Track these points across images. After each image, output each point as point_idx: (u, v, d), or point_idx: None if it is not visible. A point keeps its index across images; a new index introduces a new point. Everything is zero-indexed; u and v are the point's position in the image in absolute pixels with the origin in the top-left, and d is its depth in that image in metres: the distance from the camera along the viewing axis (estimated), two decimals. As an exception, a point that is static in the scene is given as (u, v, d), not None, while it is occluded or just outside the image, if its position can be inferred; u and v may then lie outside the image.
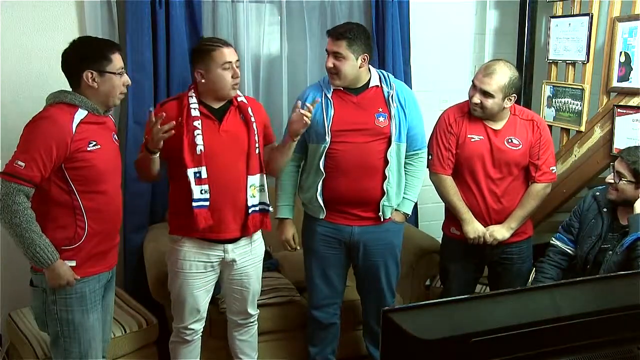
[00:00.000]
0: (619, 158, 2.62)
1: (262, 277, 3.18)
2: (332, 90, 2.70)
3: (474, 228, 2.81)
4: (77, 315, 2.26)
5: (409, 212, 2.87)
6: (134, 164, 2.62)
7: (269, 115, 3.21)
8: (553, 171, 2.86)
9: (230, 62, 2.49)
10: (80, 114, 2.19)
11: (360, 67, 2.65)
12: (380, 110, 2.69)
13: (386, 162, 2.69)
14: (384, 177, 2.70)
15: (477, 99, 2.72)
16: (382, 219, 2.76)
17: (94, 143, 2.20)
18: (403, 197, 2.81)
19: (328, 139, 2.66)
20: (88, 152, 2.18)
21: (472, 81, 2.77)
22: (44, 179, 2.13)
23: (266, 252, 3.38)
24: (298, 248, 2.88)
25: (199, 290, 2.62)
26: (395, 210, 2.80)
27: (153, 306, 3.06)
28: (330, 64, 2.63)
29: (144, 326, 2.94)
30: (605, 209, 2.69)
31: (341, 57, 2.61)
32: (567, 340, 1.18)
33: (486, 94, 2.70)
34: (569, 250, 2.82)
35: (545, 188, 2.84)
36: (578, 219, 2.81)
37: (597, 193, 2.75)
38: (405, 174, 2.80)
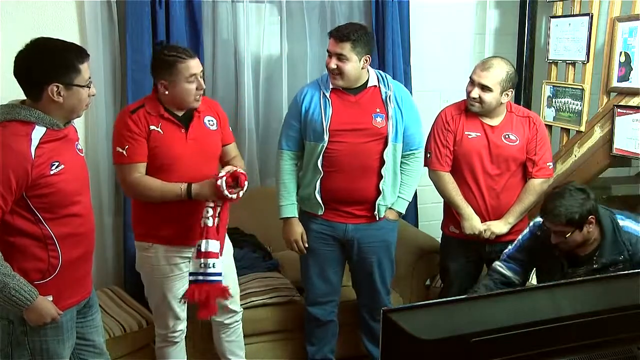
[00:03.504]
0: (547, 223, 2.42)
1: (262, 277, 3.20)
2: (330, 89, 2.71)
3: (471, 225, 2.82)
4: (52, 345, 2.05)
5: (403, 211, 2.88)
6: (149, 191, 2.44)
7: (269, 115, 3.24)
8: (550, 167, 2.88)
9: (195, 74, 2.41)
10: (38, 132, 1.92)
11: (362, 68, 2.67)
12: (378, 110, 2.70)
13: (382, 162, 2.71)
14: (380, 177, 2.72)
15: (475, 93, 2.75)
16: (377, 218, 2.78)
17: (57, 164, 1.94)
18: (398, 196, 2.82)
19: (326, 138, 2.67)
20: (52, 175, 1.93)
21: (470, 77, 2.80)
22: (5, 213, 1.90)
23: (266, 252, 3.39)
24: (306, 249, 2.84)
25: (178, 290, 2.56)
26: (389, 208, 2.81)
27: (153, 306, 3.06)
28: (333, 65, 2.64)
29: (143, 326, 2.94)
30: (557, 252, 2.49)
31: (345, 59, 2.61)
32: (567, 340, 1.18)
33: (485, 88, 2.73)
34: (515, 281, 2.62)
35: (542, 183, 2.86)
36: (526, 255, 2.62)
37: (539, 233, 2.55)
38: (401, 173, 2.82)
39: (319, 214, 2.79)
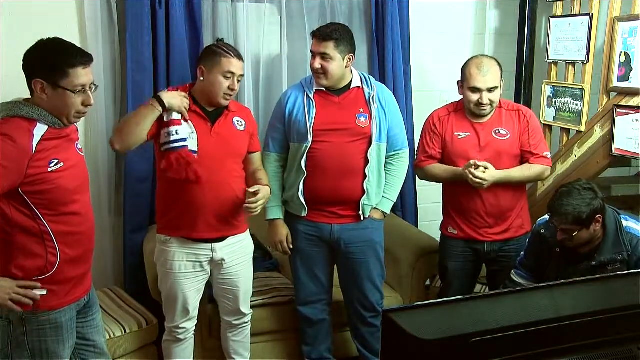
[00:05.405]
0: (554, 221, 2.43)
1: (262, 277, 3.20)
2: (314, 90, 2.73)
3: (467, 166, 2.70)
4: (52, 345, 2.06)
5: (388, 211, 2.88)
6: (127, 118, 2.57)
7: (269, 115, 3.22)
8: (548, 156, 2.86)
9: (233, 73, 2.52)
10: (40, 129, 1.94)
11: (345, 67, 2.69)
12: (362, 110, 2.73)
13: (366, 162, 2.72)
14: (365, 177, 2.73)
15: (486, 99, 2.73)
16: (362, 218, 2.78)
17: (56, 161, 1.96)
18: (383, 196, 2.83)
19: (310, 138, 2.69)
20: (50, 172, 1.94)
21: (472, 87, 2.73)
22: None
23: (266, 252, 3.39)
24: (290, 249, 2.86)
25: (189, 290, 2.63)
26: (374, 208, 2.81)
27: (153, 306, 3.05)
28: (317, 65, 2.66)
29: (144, 326, 2.94)
30: (558, 249, 2.52)
31: (328, 58, 2.64)
32: (567, 340, 1.18)
33: (492, 90, 2.73)
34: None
35: (541, 170, 2.82)
36: (533, 259, 2.65)
37: (543, 231, 2.59)
38: (386, 173, 2.83)
39: (303, 215, 2.79)
